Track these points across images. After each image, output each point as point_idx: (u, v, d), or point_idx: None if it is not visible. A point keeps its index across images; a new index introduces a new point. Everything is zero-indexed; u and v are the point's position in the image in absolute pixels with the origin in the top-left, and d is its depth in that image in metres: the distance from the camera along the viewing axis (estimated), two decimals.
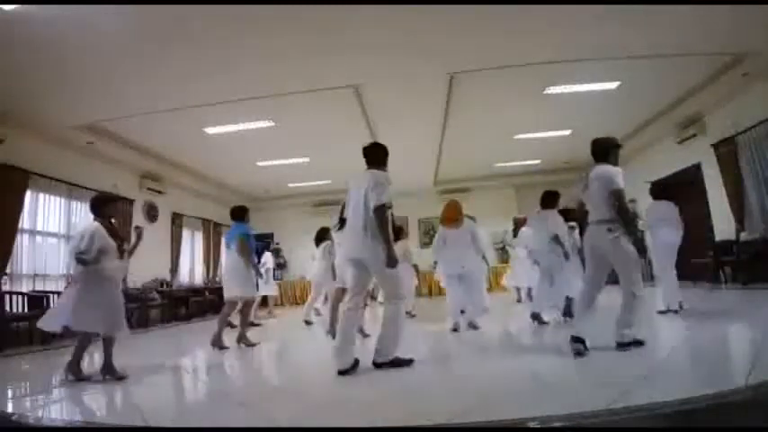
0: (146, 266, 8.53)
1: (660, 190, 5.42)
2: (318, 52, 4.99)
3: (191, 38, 4.52)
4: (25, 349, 5.29)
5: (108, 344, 3.39)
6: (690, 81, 6.48)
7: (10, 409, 2.75)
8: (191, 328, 7.81)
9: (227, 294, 4.81)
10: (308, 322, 6.72)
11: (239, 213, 4.92)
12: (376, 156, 3.40)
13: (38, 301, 5.80)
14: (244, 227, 4.86)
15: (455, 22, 4.56)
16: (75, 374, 3.31)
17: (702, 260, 7.06)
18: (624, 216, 3.11)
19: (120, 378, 3.30)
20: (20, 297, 5.78)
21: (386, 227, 3.06)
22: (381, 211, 3.05)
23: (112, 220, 3.66)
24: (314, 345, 5.14)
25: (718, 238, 7.25)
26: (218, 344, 4.61)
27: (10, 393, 3.29)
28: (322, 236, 6.52)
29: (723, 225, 7.16)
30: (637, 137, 8.84)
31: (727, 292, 6.45)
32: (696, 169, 7.78)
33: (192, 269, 10.66)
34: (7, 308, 5.54)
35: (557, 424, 1.74)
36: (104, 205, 3.51)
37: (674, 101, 7.19)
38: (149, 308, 8.04)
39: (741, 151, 6.70)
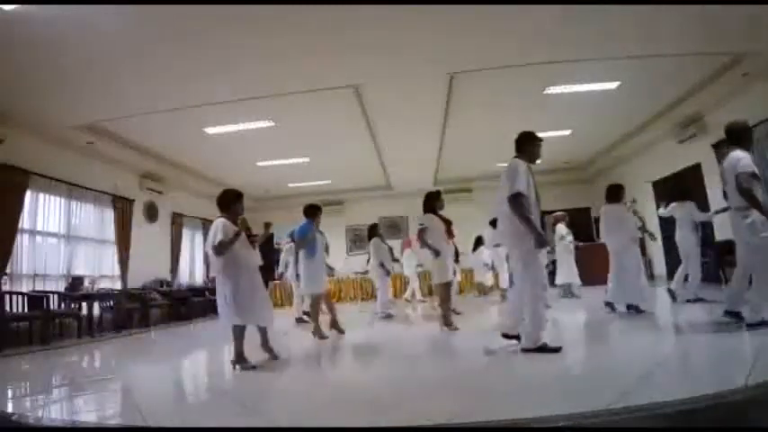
0: (146, 266, 8.55)
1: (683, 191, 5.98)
2: (318, 52, 4.99)
3: (191, 38, 4.51)
4: (25, 349, 5.29)
5: (264, 329, 3.63)
6: (690, 81, 6.48)
7: (10, 409, 2.75)
8: (196, 327, 7.82)
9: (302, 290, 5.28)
10: (388, 315, 6.69)
11: (305, 211, 5.15)
12: (518, 144, 3.42)
13: (38, 301, 5.79)
14: (301, 224, 5.08)
15: (455, 22, 4.56)
16: (242, 364, 3.40)
17: (702, 260, 7.05)
18: (747, 200, 3.19)
19: (275, 358, 3.57)
20: (20, 297, 5.77)
21: (523, 212, 3.08)
22: (514, 199, 3.08)
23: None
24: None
25: (718, 238, 7.25)
26: (318, 333, 4.80)
27: (10, 393, 3.28)
28: (372, 233, 6.97)
29: (723, 225, 7.16)
30: (637, 137, 8.84)
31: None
32: (696, 169, 7.78)
33: (192, 269, 10.66)
34: (7, 308, 5.53)
35: (557, 424, 1.73)
36: (230, 202, 3.59)
37: (674, 101, 7.19)
38: (150, 308, 8.04)
39: None
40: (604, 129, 8.58)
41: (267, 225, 3.85)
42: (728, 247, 6.77)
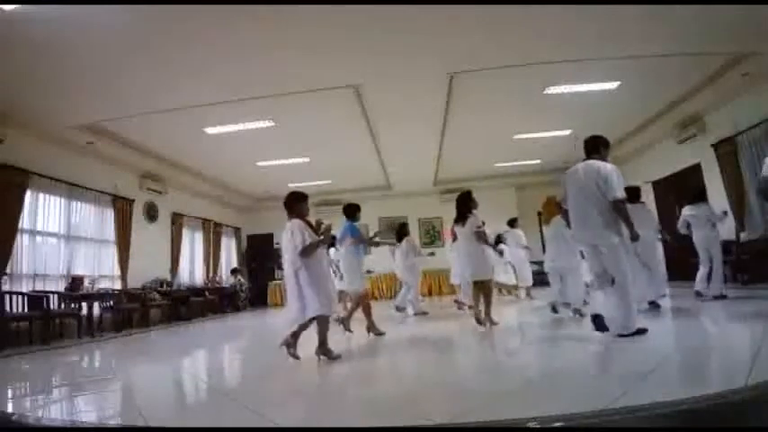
0: (146, 266, 8.55)
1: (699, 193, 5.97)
2: (318, 52, 4.99)
3: (191, 38, 4.52)
4: (25, 349, 5.29)
5: (324, 326, 3.53)
6: (690, 81, 6.48)
7: (10, 409, 2.75)
8: (200, 327, 7.82)
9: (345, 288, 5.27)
10: (399, 308, 6.95)
11: (346, 211, 5.17)
12: (594, 146, 3.61)
13: (38, 301, 5.79)
14: (346, 224, 5.09)
15: (455, 22, 4.56)
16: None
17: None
18: None
19: (334, 358, 3.43)
20: (20, 297, 5.77)
21: (628, 215, 3.37)
22: (622, 203, 3.35)
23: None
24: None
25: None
26: (373, 330, 4.77)
27: (10, 393, 3.28)
28: (403, 232, 7.06)
29: (723, 225, 7.16)
30: (637, 137, 8.84)
31: (727, 291, 6.43)
32: (696, 169, 7.78)
33: (192, 269, 10.67)
34: (7, 308, 5.53)
35: (557, 424, 1.73)
36: (299, 202, 3.65)
37: (674, 101, 7.20)
38: (150, 308, 8.04)
39: (741, 151, 6.70)
40: (604, 129, 8.44)
41: (321, 224, 3.76)
42: (726, 248, 6.80)
